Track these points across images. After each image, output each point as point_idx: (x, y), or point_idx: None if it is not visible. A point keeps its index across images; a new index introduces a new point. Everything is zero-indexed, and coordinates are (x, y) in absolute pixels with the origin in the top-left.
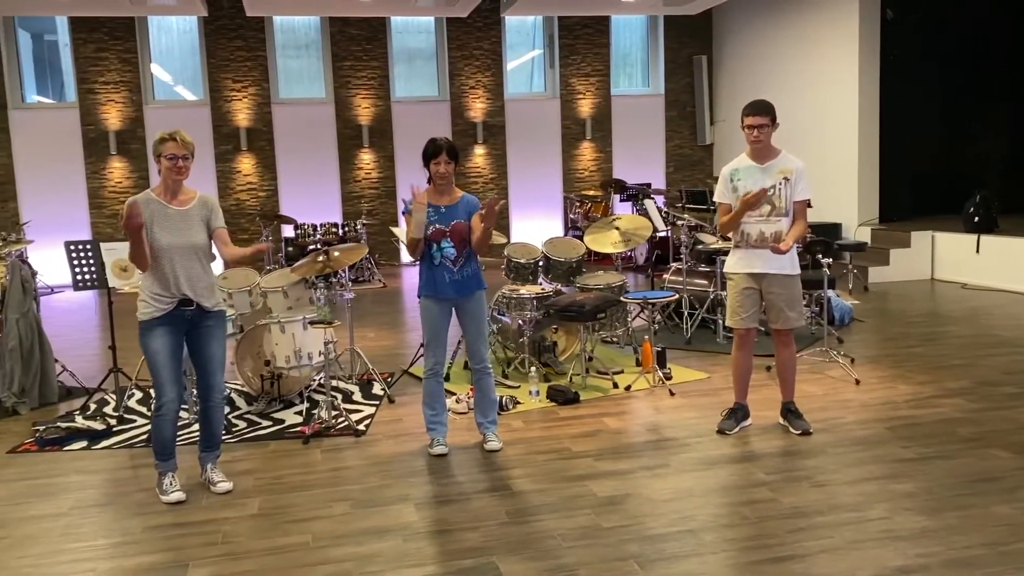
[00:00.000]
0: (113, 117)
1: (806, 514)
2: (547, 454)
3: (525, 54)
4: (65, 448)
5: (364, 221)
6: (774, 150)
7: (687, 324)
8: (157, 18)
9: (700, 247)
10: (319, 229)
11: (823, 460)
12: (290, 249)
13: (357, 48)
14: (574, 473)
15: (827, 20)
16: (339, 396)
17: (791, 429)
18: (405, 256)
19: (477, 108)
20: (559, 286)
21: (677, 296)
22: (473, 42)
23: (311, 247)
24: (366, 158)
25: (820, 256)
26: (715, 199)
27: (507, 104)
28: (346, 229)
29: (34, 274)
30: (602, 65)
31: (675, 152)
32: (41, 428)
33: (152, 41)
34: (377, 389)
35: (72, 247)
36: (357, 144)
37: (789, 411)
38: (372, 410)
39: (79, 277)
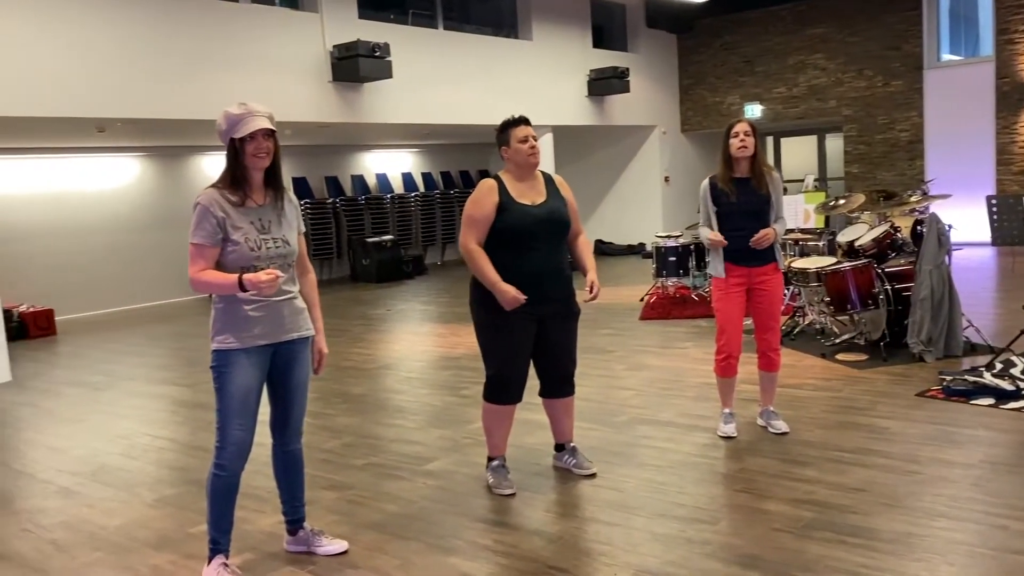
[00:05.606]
0: None
1: None
2: None
3: None
4: (971, 402)
5: None
6: None
7: None
8: None
9: None
10: None
11: None
12: None
13: None
14: None
15: None
16: None
17: None
18: None
19: None
20: None
21: None
22: None
23: None
24: None
25: None
26: None
27: None
28: None
29: (949, 228)
30: None
31: None
32: (948, 378)
33: None
34: None
35: (993, 202)
36: None
37: None
38: None
39: (998, 233)
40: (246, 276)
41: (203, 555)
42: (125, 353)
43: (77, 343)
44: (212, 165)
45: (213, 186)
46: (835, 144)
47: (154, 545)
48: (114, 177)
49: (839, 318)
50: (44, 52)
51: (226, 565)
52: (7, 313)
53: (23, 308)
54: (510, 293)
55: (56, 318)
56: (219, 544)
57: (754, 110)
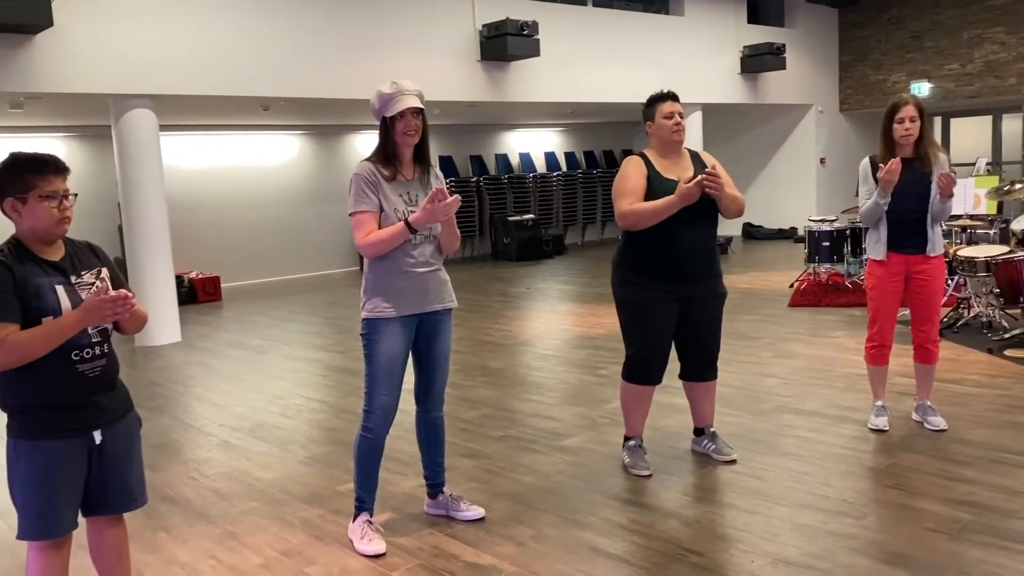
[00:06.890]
0: None
1: None
2: None
3: None
4: None
5: None
6: None
7: None
8: None
9: None
10: None
11: None
12: None
13: None
14: None
15: None
16: None
17: None
18: None
19: None
20: None
21: None
22: None
23: None
24: None
25: None
26: None
27: None
28: None
29: None
30: None
31: None
32: None
33: None
34: None
35: None
36: None
37: None
38: None
39: None
40: (411, 217)
41: (349, 512)
42: (283, 319)
43: (240, 309)
44: (366, 143)
45: (367, 160)
46: (1013, 125)
47: (305, 499)
48: (276, 153)
49: (1009, 311)
50: (217, 36)
51: (370, 523)
52: (178, 279)
53: (193, 275)
54: (682, 188)
55: (222, 285)
56: (364, 503)
57: (922, 88)
